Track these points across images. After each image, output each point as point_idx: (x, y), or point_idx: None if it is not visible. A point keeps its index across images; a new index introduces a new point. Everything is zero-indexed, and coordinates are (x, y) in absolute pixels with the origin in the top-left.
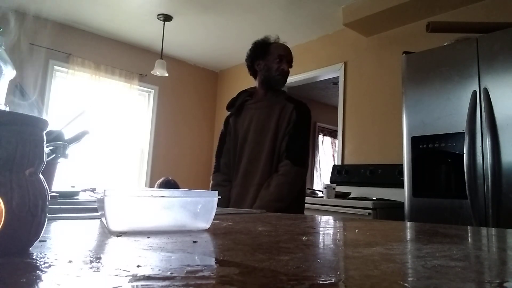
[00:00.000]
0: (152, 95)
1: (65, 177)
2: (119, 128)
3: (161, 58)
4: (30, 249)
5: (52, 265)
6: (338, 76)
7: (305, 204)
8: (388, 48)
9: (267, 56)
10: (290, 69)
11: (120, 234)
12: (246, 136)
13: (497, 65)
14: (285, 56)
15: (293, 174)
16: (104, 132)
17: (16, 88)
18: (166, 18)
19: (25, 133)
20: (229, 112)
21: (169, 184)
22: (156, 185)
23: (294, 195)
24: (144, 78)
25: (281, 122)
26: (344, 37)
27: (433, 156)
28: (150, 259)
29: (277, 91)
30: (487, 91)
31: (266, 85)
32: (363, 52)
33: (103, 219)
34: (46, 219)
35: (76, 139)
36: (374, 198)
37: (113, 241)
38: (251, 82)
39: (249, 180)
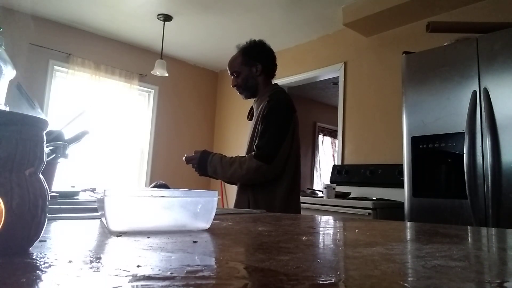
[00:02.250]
0: (152, 95)
1: (65, 177)
2: (119, 128)
3: (161, 58)
4: (30, 249)
5: (52, 265)
6: (338, 76)
7: (305, 204)
8: (388, 48)
9: None
10: (239, 78)
11: (120, 234)
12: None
13: (497, 65)
14: (229, 72)
15: (249, 166)
16: (104, 132)
17: (16, 88)
18: (166, 18)
19: (25, 133)
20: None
21: (161, 187)
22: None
23: (237, 182)
24: (144, 78)
25: (258, 120)
26: (344, 37)
27: (433, 156)
28: (150, 259)
29: (260, 93)
30: (487, 91)
31: None
32: (363, 52)
33: (103, 219)
34: (46, 219)
35: (76, 139)
36: (374, 198)
37: (113, 241)
38: None
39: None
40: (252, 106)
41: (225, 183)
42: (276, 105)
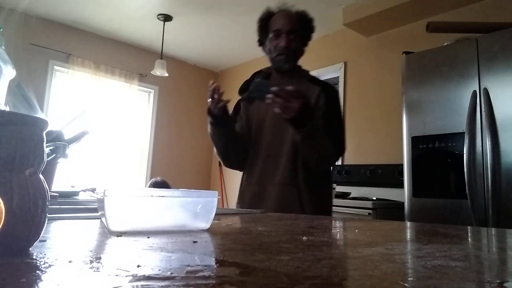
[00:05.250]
0: (152, 95)
1: (65, 177)
2: (119, 128)
3: (161, 58)
4: (30, 249)
5: (52, 265)
6: (338, 76)
7: None
8: (388, 48)
9: (268, 35)
10: (295, 42)
11: (120, 234)
12: (262, 126)
13: (497, 65)
14: (281, 29)
15: (334, 151)
16: (104, 132)
17: (16, 88)
18: (166, 18)
19: (25, 133)
20: (240, 97)
21: (158, 184)
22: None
23: (313, 160)
24: (144, 78)
25: (320, 105)
26: (344, 37)
27: (433, 156)
28: (150, 259)
29: (296, 72)
30: (487, 91)
31: (275, 68)
32: (363, 52)
33: (103, 219)
34: (46, 219)
35: (76, 139)
36: (374, 198)
37: (113, 241)
38: None
39: (268, 178)
40: (249, 80)
41: (225, 183)
42: (336, 95)
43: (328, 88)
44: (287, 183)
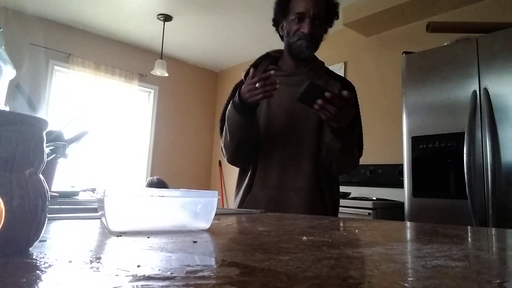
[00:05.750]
0: (152, 95)
1: (65, 177)
2: (119, 128)
3: (161, 58)
4: (30, 249)
5: (52, 265)
6: None
7: None
8: (388, 48)
9: (288, 15)
10: (319, 28)
11: (120, 234)
12: (274, 123)
13: (497, 65)
14: (306, 13)
15: (358, 156)
16: (104, 132)
17: (16, 88)
18: (166, 18)
19: (25, 133)
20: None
21: (154, 184)
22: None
23: (339, 166)
24: (144, 78)
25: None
26: (344, 37)
27: (433, 156)
28: (150, 259)
29: (312, 61)
30: (487, 91)
31: (292, 54)
32: (363, 52)
33: (103, 219)
34: (46, 219)
35: (76, 139)
36: (374, 198)
37: (113, 241)
38: None
39: (289, 182)
40: (256, 64)
41: (225, 183)
42: (355, 93)
43: (348, 86)
44: (311, 189)
